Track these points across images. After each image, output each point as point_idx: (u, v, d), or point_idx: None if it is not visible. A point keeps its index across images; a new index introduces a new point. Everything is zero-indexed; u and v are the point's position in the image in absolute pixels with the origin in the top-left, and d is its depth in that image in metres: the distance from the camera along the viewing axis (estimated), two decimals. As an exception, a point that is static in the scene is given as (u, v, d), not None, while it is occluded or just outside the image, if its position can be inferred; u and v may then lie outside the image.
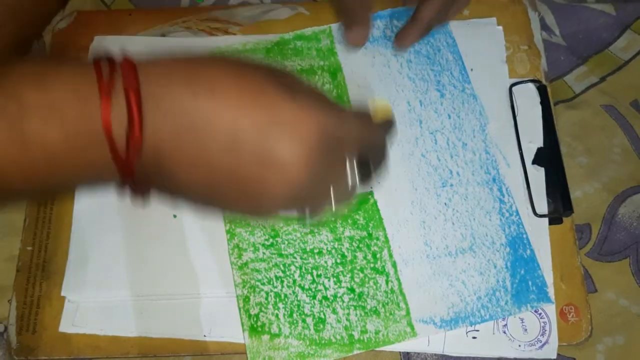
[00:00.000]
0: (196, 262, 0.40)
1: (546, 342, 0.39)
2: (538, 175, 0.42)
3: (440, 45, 0.46)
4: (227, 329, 0.39)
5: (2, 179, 0.24)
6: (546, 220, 0.41)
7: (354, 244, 0.40)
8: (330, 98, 0.29)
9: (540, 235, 0.41)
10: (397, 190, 0.42)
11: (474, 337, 0.39)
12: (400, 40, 0.44)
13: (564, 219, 0.41)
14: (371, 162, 0.33)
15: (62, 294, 0.40)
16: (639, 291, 0.41)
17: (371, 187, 0.41)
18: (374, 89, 0.45)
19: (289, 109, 0.27)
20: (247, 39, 0.46)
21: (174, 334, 0.39)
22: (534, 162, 0.43)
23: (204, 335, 0.39)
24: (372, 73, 0.45)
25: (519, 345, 0.39)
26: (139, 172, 0.26)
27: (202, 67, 0.27)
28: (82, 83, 0.24)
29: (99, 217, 0.42)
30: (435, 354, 0.39)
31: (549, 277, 0.40)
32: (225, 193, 0.28)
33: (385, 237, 0.41)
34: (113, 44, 0.46)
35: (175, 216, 0.41)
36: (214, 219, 0.41)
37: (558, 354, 0.39)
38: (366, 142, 0.34)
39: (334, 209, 0.32)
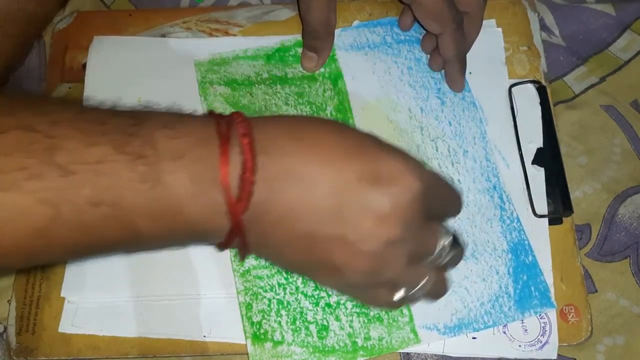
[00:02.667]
0: (196, 262, 0.40)
1: (546, 343, 0.39)
2: (538, 175, 0.42)
3: None
4: (227, 329, 0.39)
5: (130, 217, 0.26)
6: (546, 220, 0.41)
7: None
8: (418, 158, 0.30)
9: (540, 235, 0.41)
10: None
11: (474, 338, 0.39)
12: (451, 86, 0.44)
13: (564, 219, 0.41)
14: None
15: (62, 294, 0.40)
16: (639, 291, 0.41)
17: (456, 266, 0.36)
18: (374, 95, 0.45)
19: (391, 162, 0.28)
20: (247, 42, 0.46)
21: (173, 334, 0.39)
22: (533, 163, 0.43)
23: (204, 336, 0.39)
24: (373, 80, 0.45)
25: (519, 346, 0.39)
26: (246, 221, 0.28)
27: (304, 123, 0.29)
28: (205, 132, 0.27)
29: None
30: (435, 355, 0.39)
31: (549, 277, 0.40)
32: (323, 244, 0.29)
33: None
34: (113, 44, 0.46)
35: None
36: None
37: (558, 355, 0.39)
38: (454, 210, 0.35)
39: (425, 280, 0.32)
